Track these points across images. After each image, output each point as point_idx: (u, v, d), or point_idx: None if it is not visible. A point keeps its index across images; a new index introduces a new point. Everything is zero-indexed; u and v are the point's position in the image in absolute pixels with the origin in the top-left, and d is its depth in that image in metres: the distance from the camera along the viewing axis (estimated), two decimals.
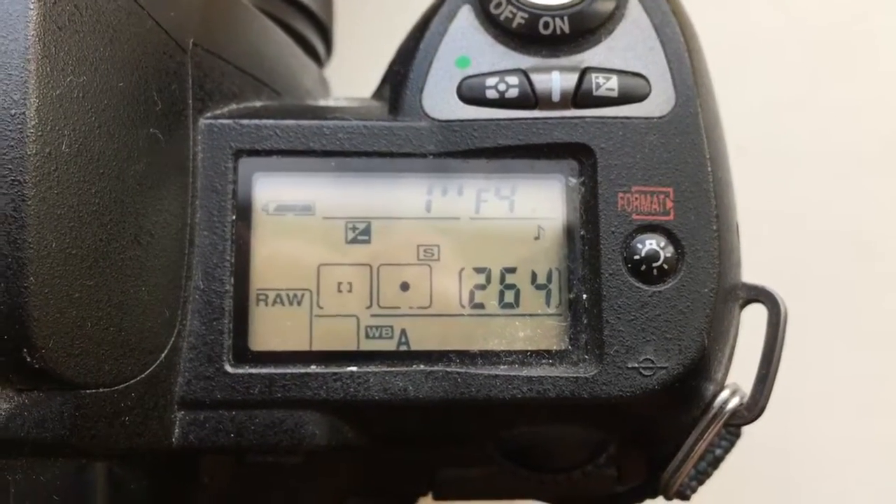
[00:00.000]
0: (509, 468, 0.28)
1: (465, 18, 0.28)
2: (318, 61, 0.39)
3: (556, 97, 0.27)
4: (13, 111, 0.20)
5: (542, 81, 0.27)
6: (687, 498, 0.28)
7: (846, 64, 0.50)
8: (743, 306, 0.27)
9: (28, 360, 0.20)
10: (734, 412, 0.26)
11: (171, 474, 0.26)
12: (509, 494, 0.30)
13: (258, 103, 0.29)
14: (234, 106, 0.28)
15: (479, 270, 0.26)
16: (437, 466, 0.28)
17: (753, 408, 0.26)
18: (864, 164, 0.49)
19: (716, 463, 0.28)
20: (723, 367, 0.27)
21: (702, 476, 0.27)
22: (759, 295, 0.27)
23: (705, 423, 0.26)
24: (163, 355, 0.24)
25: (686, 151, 0.26)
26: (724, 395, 0.26)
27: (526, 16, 0.27)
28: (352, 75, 0.38)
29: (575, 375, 0.25)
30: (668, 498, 0.28)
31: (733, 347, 0.27)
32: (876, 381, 0.46)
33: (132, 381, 0.23)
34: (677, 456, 0.26)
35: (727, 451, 0.28)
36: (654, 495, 0.30)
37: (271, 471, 0.27)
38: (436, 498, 0.30)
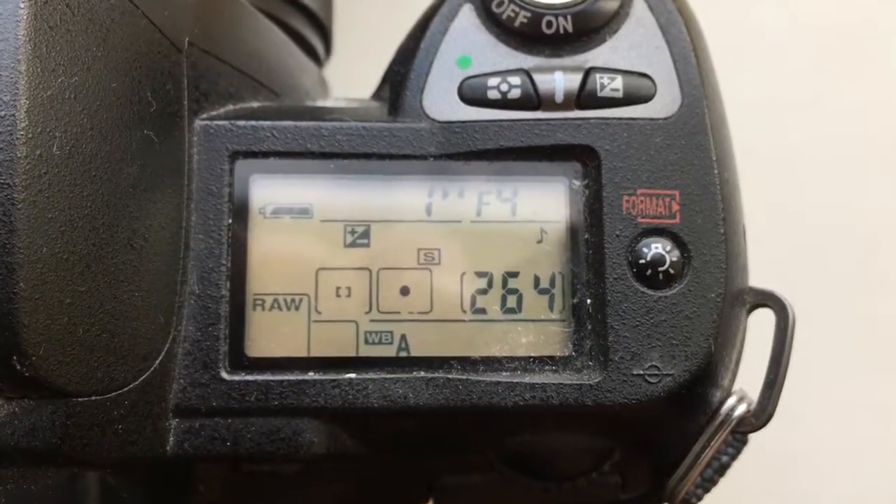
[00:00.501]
0: (511, 476, 0.27)
1: (467, 17, 0.27)
2: (318, 61, 0.39)
3: (559, 98, 0.26)
4: (3, 113, 0.20)
5: (544, 82, 0.26)
6: None
7: (853, 65, 0.50)
8: (750, 311, 0.27)
9: (18, 367, 0.20)
10: (741, 419, 0.25)
11: (165, 483, 0.26)
12: (512, 502, 0.29)
13: (255, 104, 0.28)
14: (230, 107, 0.27)
15: (480, 275, 0.26)
16: (437, 474, 0.28)
17: (761, 415, 0.25)
18: (872, 166, 0.49)
19: (722, 470, 0.27)
20: (730, 373, 0.26)
21: (708, 483, 0.27)
22: (767, 299, 0.26)
23: (712, 430, 0.25)
24: (157, 362, 0.24)
25: (692, 153, 0.26)
26: (730, 401, 0.25)
27: (528, 15, 0.27)
28: (351, 75, 0.37)
29: (579, 382, 0.25)
30: None
31: (740, 353, 0.27)
32: (882, 384, 0.46)
33: (125, 389, 0.23)
34: (683, 463, 0.26)
35: (733, 458, 0.27)
36: (658, 503, 0.29)
37: (268, 479, 0.27)
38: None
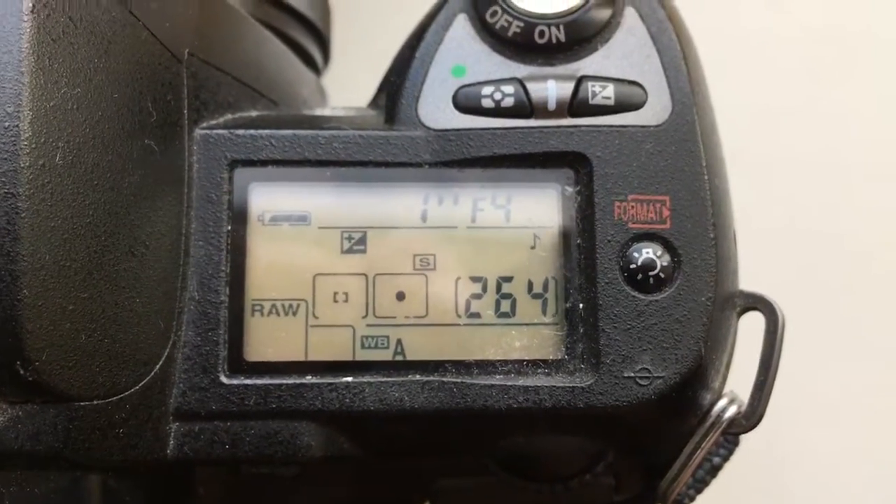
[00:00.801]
0: (506, 478, 0.28)
1: (461, 27, 0.28)
2: (316, 70, 0.39)
3: (551, 106, 0.27)
4: (6, 124, 0.20)
5: (537, 90, 0.27)
6: None
7: (842, 68, 0.50)
8: (740, 314, 0.27)
9: (21, 372, 0.20)
10: (732, 421, 0.26)
11: (166, 486, 0.26)
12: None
13: (254, 113, 0.29)
14: (229, 116, 0.28)
15: (475, 279, 0.26)
16: (433, 477, 0.28)
17: (751, 416, 0.26)
18: (863, 171, 0.49)
19: (714, 471, 0.27)
20: (720, 375, 0.27)
21: (699, 485, 0.27)
22: (757, 303, 0.27)
23: (703, 431, 0.26)
24: (157, 367, 0.24)
25: (682, 160, 0.26)
26: (721, 403, 0.26)
27: (521, 24, 0.27)
28: (349, 84, 0.38)
29: (571, 385, 0.25)
30: None
31: (731, 356, 0.27)
32: (872, 389, 0.46)
33: (126, 393, 0.23)
34: (675, 465, 0.26)
35: (725, 459, 0.28)
36: None
37: (267, 482, 0.27)
38: None
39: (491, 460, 0.27)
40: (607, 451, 0.27)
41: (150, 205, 0.24)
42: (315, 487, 0.28)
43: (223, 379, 0.25)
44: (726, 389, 0.27)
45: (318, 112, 0.30)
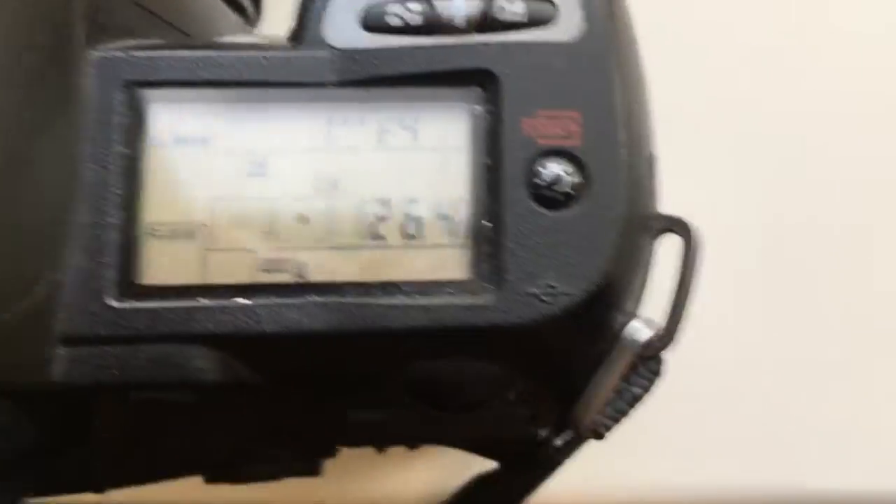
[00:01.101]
0: (417, 407, 0.27)
1: None
2: (246, 19, 0.39)
3: (460, 23, 0.26)
4: None
5: (445, 7, 0.26)
6: (601, 437, 0.27)
7: (828, 51, 0.49)
8: (656, 237, 0.26)
9: None
10: (648, 344, 0.25)
11: (58, 416, 0.25)
12: (418, 438, 0.29)
13: (160, 41, 0.28)
14: (131, 41, 0.27)
15: (380, 202, 0.25)
16: (342, 408, 0.27)
17: (664, 337, 0.25)
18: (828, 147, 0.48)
19: (633, 401, 0.26)
20: (634, 298, 0.26)
21: (618, 414, 0.26)
22: (673, 225, 0.26)
23: (615, 354, 0.25)
24: (42, 288, 0.23)
25: (595, 76, 0.26)
26: (634, 324, 0.25)
27: None
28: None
29: (473, 303, 0.24)
30: (581, 435, 0.27)
31: (645, 279, 0.26)
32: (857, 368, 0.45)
33: (6, 313, 0.22)
34: (588, 389, 0.25)
35: (646, 390, 0.27)
36: (580, 441, 0.29)
37: (168, 412, 0.26)
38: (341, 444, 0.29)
39: (398, 387, 0.26)
40: (516, 375, 0.26)
41: (39, 126, 0.24)
42: (221, 419, 0.27)
43: (113, 303, 0.24)
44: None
45: (227, 39, 0.29)
